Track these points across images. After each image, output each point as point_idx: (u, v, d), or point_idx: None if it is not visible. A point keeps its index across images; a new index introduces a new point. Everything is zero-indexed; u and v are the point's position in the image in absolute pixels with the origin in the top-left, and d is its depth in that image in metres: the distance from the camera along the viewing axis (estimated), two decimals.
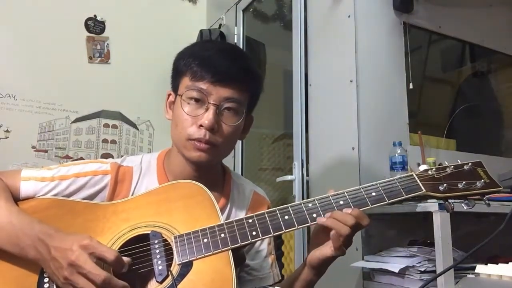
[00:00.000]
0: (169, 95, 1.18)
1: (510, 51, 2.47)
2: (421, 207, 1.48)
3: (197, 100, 1.08)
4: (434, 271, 1.46)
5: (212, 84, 1.06)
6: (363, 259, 1.71)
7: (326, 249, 1.00)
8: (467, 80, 2.71)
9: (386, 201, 0.98)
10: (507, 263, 1.00)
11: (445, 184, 0.98)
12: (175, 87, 1.15)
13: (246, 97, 1.13)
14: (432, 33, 2.29)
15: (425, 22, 2.16)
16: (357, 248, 1.74)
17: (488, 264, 1.03)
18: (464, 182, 0.98)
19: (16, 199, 1.03)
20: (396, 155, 1.73)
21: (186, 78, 1.10)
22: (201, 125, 1.06)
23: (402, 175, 1.02)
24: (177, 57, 1.16)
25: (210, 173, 1.17)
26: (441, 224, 1.41)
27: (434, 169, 1.02)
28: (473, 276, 1.06)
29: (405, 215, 1.61)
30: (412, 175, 1.01)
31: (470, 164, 1.01)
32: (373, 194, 0.98)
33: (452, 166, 1.01)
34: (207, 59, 1.09)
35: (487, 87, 2.71)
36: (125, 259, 0.90)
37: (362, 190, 0.99)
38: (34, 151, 2.90)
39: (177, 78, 1.14)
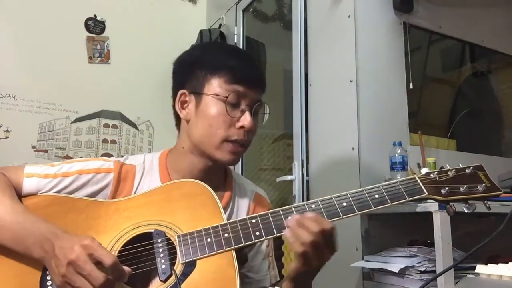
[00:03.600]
0: (181, 94, 1.16)
1: (510, 51, 2.48)
2: (421, 207, 1.48)
3: (232, 102, 1.10)
4: (434, 271, 1.47)
5: (249, 87, 1.11)
6: (363, 259, 1.71)
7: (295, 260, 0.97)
8: (467, 80, 2.71)
9: (388, 203, 0.98)
10: (507, 263, 1.00)
11: (447, 188, 0.98)
12: (193, 86, 1.14)
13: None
14: (432, 33, 2.30)
15: (425, 22, 2.17)
16: (357, 248, 1.74)
17: (488, 264, 1.03)
18: (465, 186, 0.98)
19: (18, 195, 1.02)
20: (396, 155, 1.73)
21: (218, 80, 1.11)
22: (242, 126, 1.09)
23: (404, 178, 1.02)
24: (195, 56, 1.17)
25: (216, 173, 1.18)
26: (441, 224, 1.41)
27: (436, 172, 1.02)
28: (473, 276, 1.06)
29: (405, 215, 1.61)
30: (414, 178, 1.01)
31: (471, 167, 1.02)
32: (376, 196, 0.98)
33: (454, 170, 1.02)
34: (239, 63, 1.13)
35: (487, 87, 2.72)
36: (126, 268, 0.89)
37: (365, 192, 0.99)
38: (34, 151, 2.90)
39: (199, 78, 1.13)
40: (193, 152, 1.14)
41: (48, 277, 0.93)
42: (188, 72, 1.16)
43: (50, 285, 0.92)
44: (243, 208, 1.22)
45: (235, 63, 1.13)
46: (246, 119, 1.10)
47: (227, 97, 1.09)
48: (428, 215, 1.45)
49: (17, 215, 0.95)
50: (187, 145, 1.15)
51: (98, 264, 0.86)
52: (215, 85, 1.11)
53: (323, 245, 0.93)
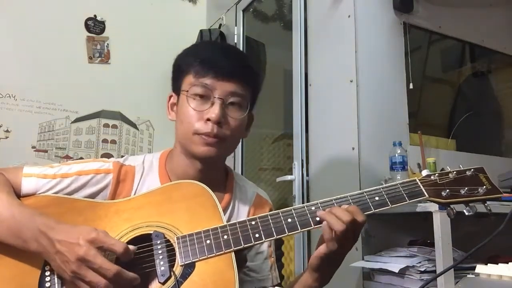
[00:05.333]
0: (170, 97, 1.20)
1: (510, 51, 2.48)
2: (421, 207, 1.48)
3: (202, 96, 1.09)
4: (434, 271, 1.47)
5: (216, 79, 1.09)
6: (363, 259, 1.72)
7: (322, 245, 0.98)
8: (467, 80, 2.71)
9: (389, 205, 0.98)
10: (507, 263, 1.00)
11: (447, 190, 0.98)
12: (176, 87, 1.16)
13: (248, 92, 1.15)
14: (432, 33, 2.29)
15: (425, 22, 2.17)
16: (357, 248, 1.74)
17: (488, 264, 1.03)
18: (466, 188, 0.98)
19: (17, 195, 1.03)
20: (396, 155, 1.73)
21: (190, 76, 1.11)
22: (208, 119, 1.07)
23: (405, 180, 1.01)
24: (178, 59, 1.18)
25: (213, 173, 1.17)
26: (441, 224, 1.41)
27: (437, 174, 1.02)
28: (473, 276, 1.06)
29: (405, 215, 1.61)
30: (415, 180, 1.01)
31: (472, 170, 1.01)
32: (376, 198, 0.98)
33: (454, 172, 1.01)
34: (209, 57, 1.12)
35: (487, 87, 2.71)
36: (131, 247, 0.91)
37: (365, 194, 0.99)
38: (34, 151, 2.90)
39: (179, 78, 1.15)
40: (182, 152, 1.15)
41: (47, 278, 0.93)
42: (173, 74, 1.18)
43: (49, 287, 0.92)
44: (243, 209, 1.22)
45: (205, 57, 1.11)
46: (213, 112, 1.07)
47: (186, 92, 1.10)
48: (428, 215, 1.45)
49: (12, 209, 0.95)
50: (178, 146, 1.17)
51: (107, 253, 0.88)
52: (186, 82, 1.12)
53: (350, 233, 0.95)
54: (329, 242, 0.95)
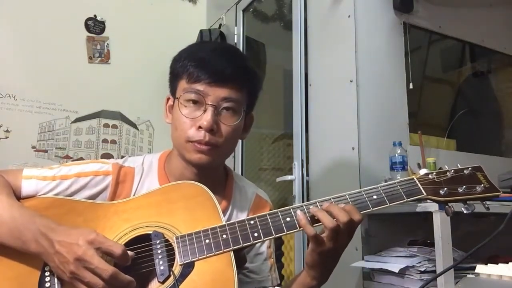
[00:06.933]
0: (168, 99, 1.19)
1: (510, 51, 2.48)
2: (421, 207, 1.48)
3: (194, 102, 1.08)
4: (434, 271, 1.47)
5: (209, 85, 1.07)
6: (363, 259, 1.72)
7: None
8: (467, 80, 2.71)
9: (387, 204, 0.98)
10: (507, 263, 1.00)
11: (445, 188, 0.98)
12: (173, 90, 1.15)
13: (244, 96, 1.12)
14: (432, 33, 2.30)
15: (425, 22, 2.17)
16: (357, 248, 1.74)
17: (488, 264, 1.03)
18: (464, 187, 0.98)
19: (17, 197, 1.03)
20: (396, 155, 1.73)
21: (183, 81, 1.10)
22: (200, 127, 1.06)
23: (403, 179, 1.01)
24: (173, 61, 1.16)
25: (211, 175, 1.17)
26: (441, 224, 1.41)
27: (435, 173, 1.02)
28: (473, 276, 1.06)
29: (405, 215, 1.61)
30: (413, 179, 1.01)
31: (470, 168, 1.02)
32: (374, 197, 0.98)
33: (452, 170, 1.01)
34: (202, 60, 1.09)
35: (487, 87, 2.71)
36: (129, 253, 0.91)
37: (363, 193, 0.99)
38: (34, 151, 2.90)
39: (175, 82, 1.14)
40: (178, 155, 1.14)
41: (47, 279, 0.93)
42: (169, 77, 1.17)
43: (49, 287, 0.92)
44: (243, 210, 1.21)
45: (198, 61, 1.09)
46: (205, 119, 1.05)
47: (178, 98, 1.09)
48: (428, 215, 1.45)
49: (13, 211, 0.95)
50: (175, 149, 1.16)
51: (105, 256, 0.87)
52: (180, 88, 1.11)
53: (344, 231, 0.94)
54: (313, 239, 0.95)
